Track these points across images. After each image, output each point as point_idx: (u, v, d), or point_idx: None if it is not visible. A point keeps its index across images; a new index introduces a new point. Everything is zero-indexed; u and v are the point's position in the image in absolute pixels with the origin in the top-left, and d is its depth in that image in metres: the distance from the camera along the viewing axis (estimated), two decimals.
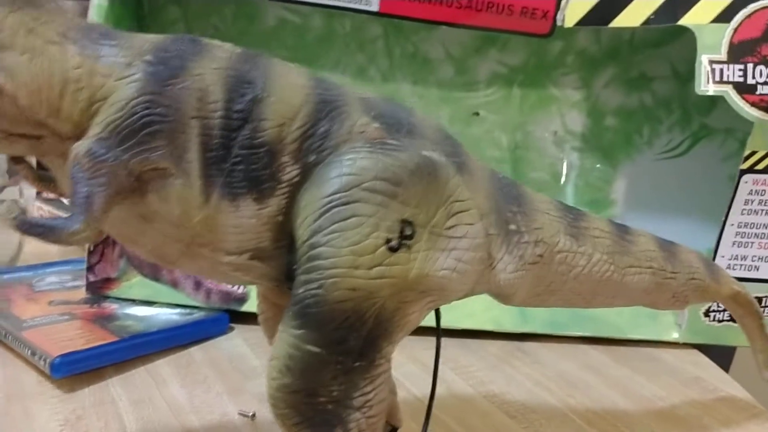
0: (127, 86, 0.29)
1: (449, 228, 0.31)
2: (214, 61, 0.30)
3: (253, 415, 0.44)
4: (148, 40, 0.30)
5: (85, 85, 0.29)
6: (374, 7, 0.52)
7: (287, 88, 0.30)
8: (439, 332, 0.36)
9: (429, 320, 0.34)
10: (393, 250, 0.30)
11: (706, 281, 0.39)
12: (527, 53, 0.62)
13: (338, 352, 0.30)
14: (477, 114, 0.63)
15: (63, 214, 0.74)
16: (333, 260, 0.29)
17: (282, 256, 0.31)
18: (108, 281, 0.57)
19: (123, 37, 0.30)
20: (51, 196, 0.76)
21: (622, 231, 0.37)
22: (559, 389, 0.50)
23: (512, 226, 0.34)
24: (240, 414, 0.44)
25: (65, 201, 0.76)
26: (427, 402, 0.37)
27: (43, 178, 0.34)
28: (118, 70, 0.29)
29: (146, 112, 0.29)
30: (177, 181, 0.29)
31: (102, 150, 0.28)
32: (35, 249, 0.69)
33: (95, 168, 0.28)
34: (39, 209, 0.75)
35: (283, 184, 0.30)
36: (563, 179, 0.64)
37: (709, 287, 0.39)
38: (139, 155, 0.29)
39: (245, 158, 0.30)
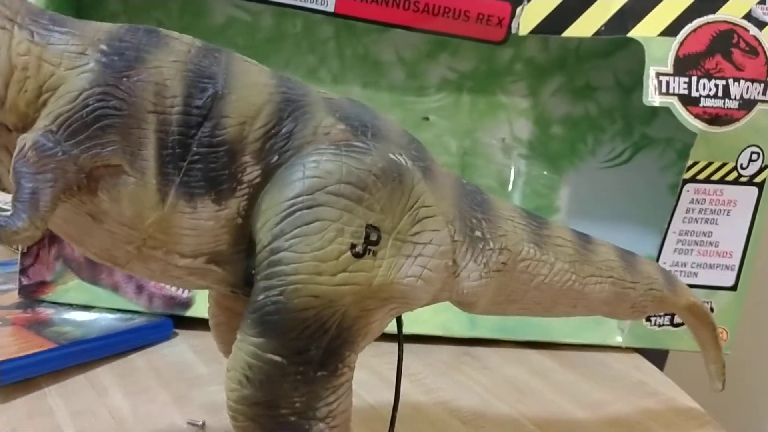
0: (79, 77, 0.27)
1: (415, 234, 0.30)
2: (172, 54, 0.29)
3: (203, 425, 0.42)
4: (102, 28, 0.29)
5: (32, 74, 0.27)
6: (330, 7, 0.52)
7: (249, 85, 0.29)
8: (400, 341, 0.36)
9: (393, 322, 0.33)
10: (358, 256, 0.29)
11: (664, 292, 0.39)
12: (477, 60, 0.63)
13: (299, 362, 0.29)
14: (427, 119, 0.63)
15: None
16: (295, 266, 0.28)
17: (240, 260, 0.30)
18: (43, 285, 0.54)
19: (75, 25, 0.29)
20: None
21: (583, 240, 0.37)
22: (508, 395, 0.50)
23: (477, 233, 0.33)
24: (189, 423, 0.43)
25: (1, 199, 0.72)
26: (384, 410, 0.36)
27: None
28: (69, 58, 0.28)
29: (99, 105, 0.27)
30: (130, 179, 0.28)
31: (50, 144, 0.27)
32: None
33: (42, 163, 0.27)
34: None
35: (244, 185, 0.29)
36: (510, 186, 0.65)
37: (667, 298, 0.39)
38: (90, 150, 0.27)
39: (204, 157, 0.28)
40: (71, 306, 0.53)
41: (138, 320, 0.52)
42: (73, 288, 0.54)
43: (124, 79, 0.28)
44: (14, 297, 0.53)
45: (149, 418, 0.43)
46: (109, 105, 0.27)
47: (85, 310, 0.53)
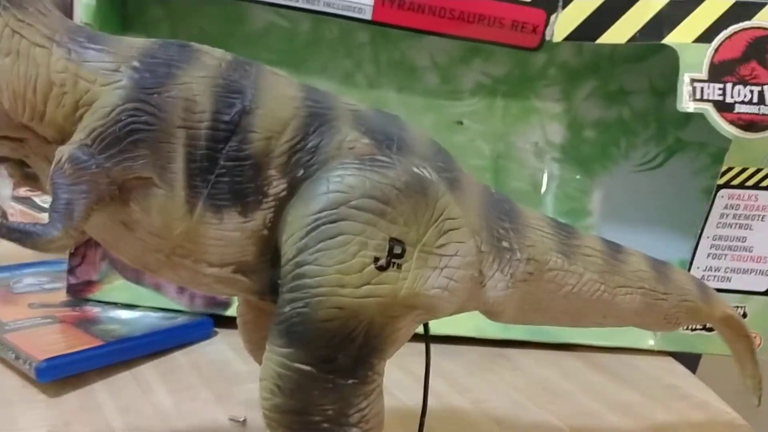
0: (113, 93, 0.28)
1: (440, 246, 0.31)
2: (202, 69, 0.29)
3: (244, 421, 0.44)
4: (136, 44, 0.30)
5: (69, 89, 0.29)
6: (367, 15, 0.53)
7: (277, 100, 0.30)
8: (428, 344, 0.36)
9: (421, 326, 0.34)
10: (382, 268, 0.29)
11: (698, 303, 0.38)
12: (511, 65, 0.63)
13: (328, 370, 0.29)
14: (460, 123, 0.64)
15: (34, 213, 0.73)
16: (319, 279, 0.29)
17: (266, 270, 0.31)
18: (89, 284, 0.56)
19: (110, 41, 0.30)
20: (23, 194, 0.75)
21: (614, 250, 0.37)
22: (540, 396, 0.51)
23: (504, 243, 0.34)
24: (231, 420, 0.44)
25: (37, 200, 0.75)
26: (417, 409, 0.37)
27: (28, 175, 0.33)
28: (104, 75, 0.29)
29: (131, 120, 0.28)
30: (159, 191, 0.29)
31: (84, 157, 0.28)
32: (7, 249, 0.68)
33: (77, 175, 0.28)
34: (11, 208, 0.73)
35: (269, 198, 0.30)
36: (543, 189, 0.66)
37: (701, 309, 0.38)
38: (122, 164, 0.28)
39: (230, 170, 0.29)
40: (116, 305, 0.55)
41: (180, 319, 0.54)
42: (118, 287, 0.56)
43: (155, 95, 0.28)
44: (62, 295, 0.56)
45: (192, 414, 0.45)
46: (141, 120, 0.28)
47: (129, 308, 0.55)
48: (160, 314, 0.55)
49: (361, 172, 0.30)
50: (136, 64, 0.29)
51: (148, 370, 0.50)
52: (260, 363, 0.36)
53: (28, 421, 0.42)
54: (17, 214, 0.73)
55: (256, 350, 0.37)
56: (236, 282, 0.31)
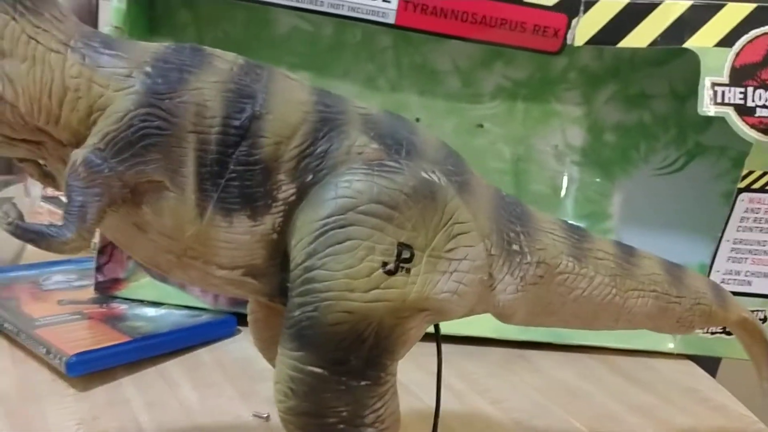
0: (125, 98, 0.29)
1: (449, 250, 0.31)
2: (214, 74, 0.30)
3: (268, 417, 0.45)
4: (149, 49, 0.30)
5: (83, 94, 0.29)
6: (390, 19, 0.54)
7: (287, 104, 0.30)
8: (439, 345, 0.36)
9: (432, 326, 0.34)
10: (390, 273, 0.30)
11: (713, 307, 0.38)
12: (532, 68, 0.64)
13: (340, 372, 0.30)
14: (481, 126, 0.65)
15: (62, 212, 0.74)
16: (328, 283, 0.29)
17: (275, 273, 0.31)
18: (116, 282, 0.57)
19: (124, 47, 0.30)
20: (51, 193, 0.76)
21: (626, 253, 0.37)
22: (560, 397, 0.51)
23: (515, 246, 0.34)
24: (254, 416, 0.45)
25: (65, 199, 0.76)
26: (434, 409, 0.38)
27: (46, 174, 0.34)
28: (117, 80, 0.29)
29: (143, 125, 0.29)
30: (171, 194, 0.29)
31: (98, 160, 0.28)
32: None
33: (90, 178, 0.28)
34: (40, 208, 0.75)
35: (279, 203, 0.30)
36: (563, 192, 0.66)
37: (716, 313, 0.38)
38: (135, 167, 0.29)
39: (240, 174, 0.30)
40: (142, 302, 0.57)
41: (204, 317, 0.55)
42: (144, 285, 0.57)
43: (167, 100, 0.29)
44: (90, 292, 0.57)
45: (217, 410, 0.45)
46: (153, 125, 0.29)
47: (154, 306, 0.56)
48: (185, 312, 0.56)
49: (369, 177, 0.30)
50: (148, 69, 0.29)
51: (173, 366, 0.51)
52: (268, 359, 0.37)
53: (58, 414, 0.43)
54: (45, 213, 0.75)
55: (266, 348, 0.37)
56: (246, 284, 0.32)
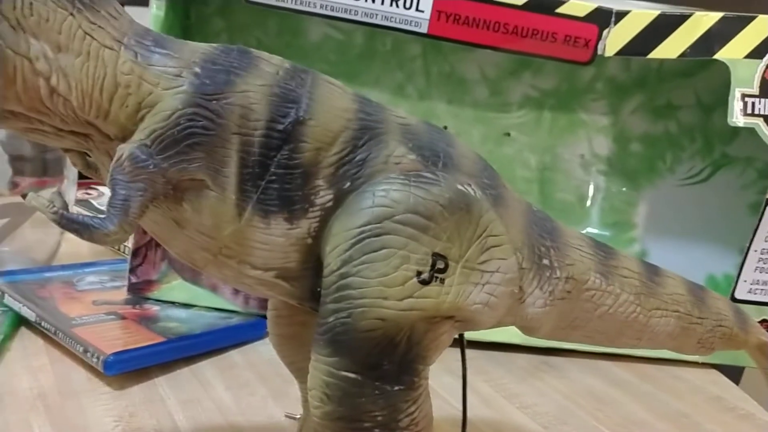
0: (174, 97, 0.29)
1: (482, 262, 0.31)
2: (260, 78, 0.30)
3: (300, 418, 0.45)
4: (198, 50, 0.31)
5: (133, 91, 0.30)
6: (423, 29, 0.54)
7: (330, 111, 0.31)
8: (463, 352, 0.37)
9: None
10: (424, 283, 0.30)
11: (734, 330, 0.38)
12: (559, 78, 0.65)
13: (374, 377, 0.30)
14: (508, 135, 0.65)
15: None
16: (362, 290, 0.29)
17: (308, 277, 0.32)
18: (149, 283, 0.58)
19: (175, 46, 0.31)
20: (81, 197, 0.78)
21: (651, 272, 0.37)
22: (587, 403, 0.52)
23: (545, 261, 0.34)
24: (287, 416, 0.46)
25: (95, 203, 0.77)
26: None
27: (90, 165, 0.34)
28: (166, 79, 0.30)
29: (189, 124, 0.29)
30: (212, 193, 0.30)
31: (143, 156, 0.29)
32: (70, 249, 0.70)
33: (135, 173, 0.29)
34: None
35: (316, 208, 0.31)
36: (589, 202, 0.66)
37: (737, 336, 0.39)
38: (179, 165, 0.29)
39: (280, 177, 0.30)
40: (174, 304, 0.57)
41: (235, 319, 0.56)
42: (176, 287, 0.58)
43: (214, 101, 0.29)
44: (123, 293, 0.58)
45: (250, 410, 0.46)
46: (198, 125, 0.29)
47: (186, 308, 0.57)
48: (216, 314, 0.56)
49: (406, 187, 0.30)
50: (197, 70, 0.30)
51: (206, 366, 0.51)
52: (281, 356, 0.38)
53: (96, 410, 0.44)
54: None
55: (282, 343, 0.38)
56: (277, 286, 0.32)
